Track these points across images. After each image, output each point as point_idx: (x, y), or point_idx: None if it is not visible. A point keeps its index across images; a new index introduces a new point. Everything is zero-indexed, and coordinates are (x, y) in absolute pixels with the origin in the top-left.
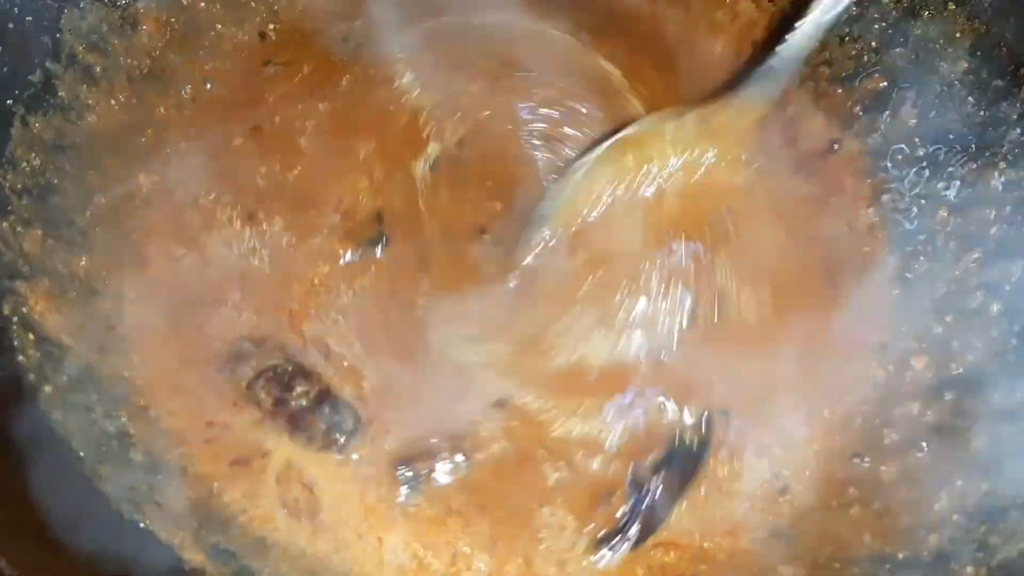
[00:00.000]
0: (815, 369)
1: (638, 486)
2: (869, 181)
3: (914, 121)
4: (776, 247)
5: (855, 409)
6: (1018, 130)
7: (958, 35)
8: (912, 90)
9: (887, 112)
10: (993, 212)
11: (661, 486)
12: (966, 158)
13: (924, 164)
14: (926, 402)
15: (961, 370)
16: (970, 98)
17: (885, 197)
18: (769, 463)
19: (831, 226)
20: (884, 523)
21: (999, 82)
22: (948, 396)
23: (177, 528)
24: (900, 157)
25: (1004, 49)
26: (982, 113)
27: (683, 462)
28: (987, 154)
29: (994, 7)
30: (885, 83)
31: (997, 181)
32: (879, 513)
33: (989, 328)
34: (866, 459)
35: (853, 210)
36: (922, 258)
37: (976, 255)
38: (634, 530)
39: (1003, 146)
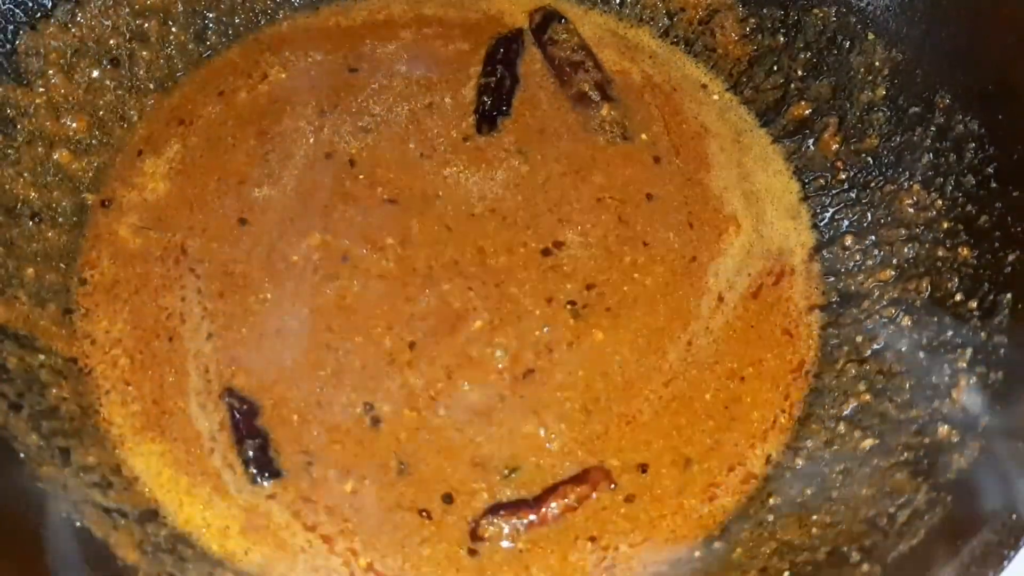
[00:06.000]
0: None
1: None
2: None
3: (836, 146)
4: None
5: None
6: (931, 155)
7: (877, 63)
8: (834, 116)
9: (811, 138)
10: (905, 232)
11: None
12: (883, 181)
13: (845, 187)
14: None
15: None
16: (888, 124)
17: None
18: None
19: None
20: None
21: (915, 108)
22: (866, 397)
23: (114, 529)
24: (822, 181)
25: (920, 77)
26: (898, 138)
27: None
28: (903, 177)
29: (911, 37)
30: (809, 110)
31: (911, 203)
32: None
33: (899, 341)
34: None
35: None
36: (841, 273)
37: (891, 272)
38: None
39: (917, 169)
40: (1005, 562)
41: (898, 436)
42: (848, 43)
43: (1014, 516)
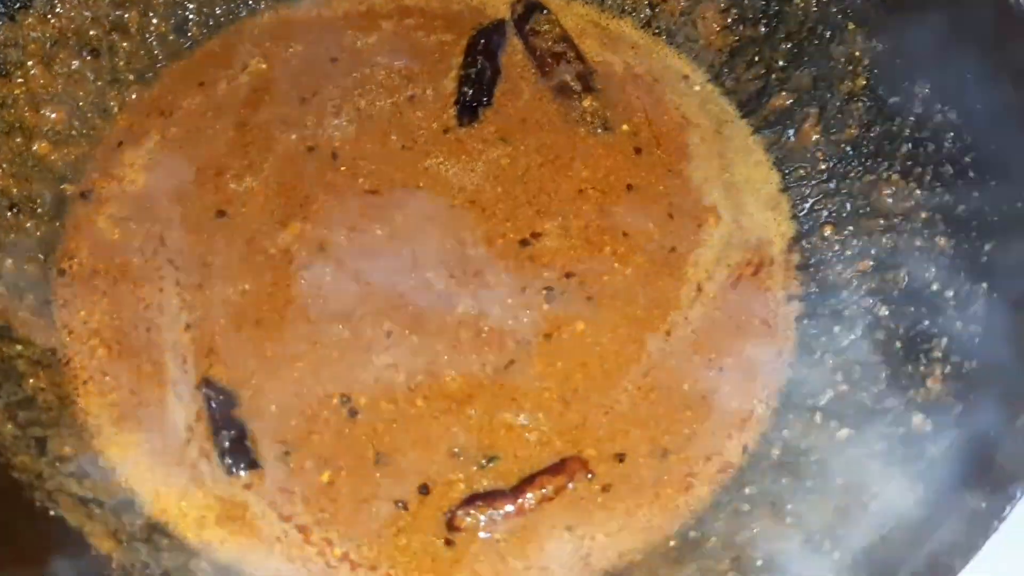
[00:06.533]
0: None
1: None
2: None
3: (816, 136)
4: None
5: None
6: (910, 144)
7: (857, 54)
8: (814, 106)
9: (791, 128)
10: (883, 222)
11: None
12: (863, 171)
13: (825, 177)
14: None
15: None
16: (867, 114)
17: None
18: None
19: None
20: None
21: (894, 98)
22: (843, 387)
23: (90, 519)
24: (802, 171)
25: (899, 67)
26: (878, 128)
27: None
28: (881, 167)
29: (891, 27)
30: (790, 101)
31: (889, 193)
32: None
33: (876, 331)
34: None
35: None
36: (819, 263)
37: (869, 263)
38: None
39: (896, 159)
40: (973, 552)
41: (873, 426)
42: (829, 33)
43: (984, 505)
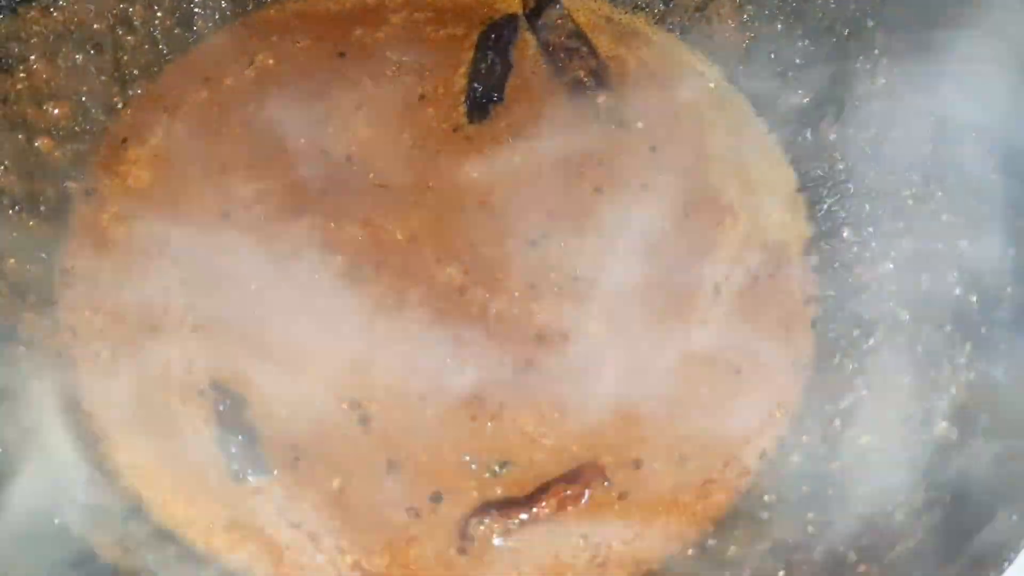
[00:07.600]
0: None
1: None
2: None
3: (834, 136)
4: None
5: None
6: (931, 145)
7: (876, 51)
8: (831, 105)
9: (808, 128)
10: (903, 224)
11: None
12: (882, 172)
13: (843, 178)
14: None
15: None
16: (886, 114)
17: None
18: None
19: None
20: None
21: (915, 98)
22: (863, 392)
23: (95, 526)
24: (820, 172)
25: (919, 65)
26: (897, 128)
27: None
28: (901, 168)
29: (910, 24)
30: (807, 99)
31: (909, 194)
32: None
33: (897, 336)
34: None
35: None
36: (838, 265)
37: (889, 265)
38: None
39: (916, 160)
40: (1005, 563)
41: (896, 433)
42: (847, 31)
43: (1014, 517)
